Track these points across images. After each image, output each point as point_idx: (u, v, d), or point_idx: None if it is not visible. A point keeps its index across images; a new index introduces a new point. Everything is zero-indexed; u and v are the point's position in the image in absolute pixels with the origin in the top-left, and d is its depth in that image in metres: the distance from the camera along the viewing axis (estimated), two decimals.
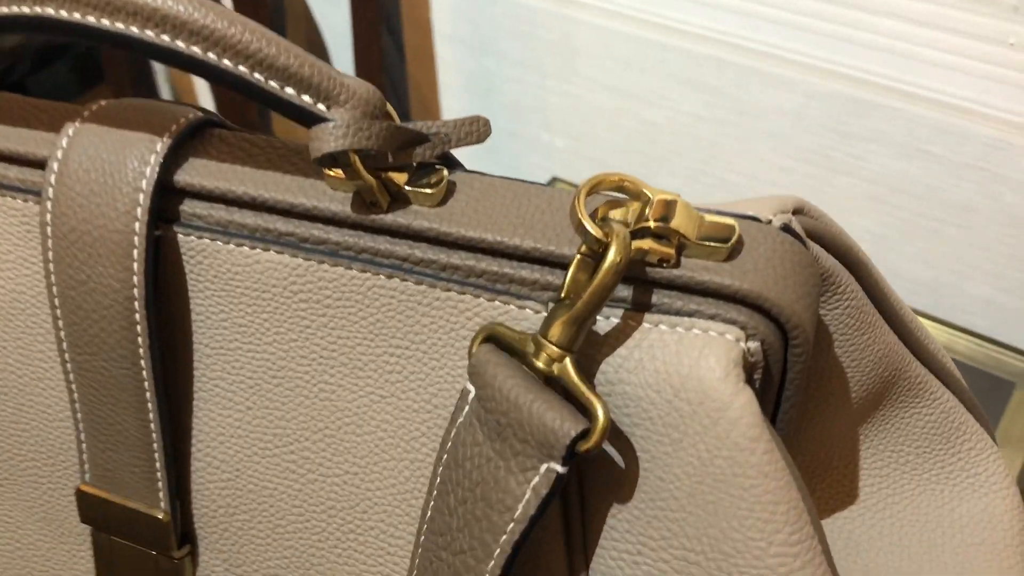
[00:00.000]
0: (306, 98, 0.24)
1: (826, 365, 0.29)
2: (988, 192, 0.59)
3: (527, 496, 0.23)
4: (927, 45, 0.56)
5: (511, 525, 0.23)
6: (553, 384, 0.24)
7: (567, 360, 0.23)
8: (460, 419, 0.25)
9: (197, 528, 0.31)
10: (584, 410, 0.23)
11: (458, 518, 0.24)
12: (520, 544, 0.23)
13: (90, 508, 0.31)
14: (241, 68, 0.24)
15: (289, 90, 0.24)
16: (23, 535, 0.34)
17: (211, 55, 0.24)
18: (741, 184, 0.68)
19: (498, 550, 0.23)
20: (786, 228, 0.25)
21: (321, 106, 0.24)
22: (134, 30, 0.23)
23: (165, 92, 0.96)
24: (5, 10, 0.24)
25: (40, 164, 0.29)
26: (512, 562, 0.23)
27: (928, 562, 0.31)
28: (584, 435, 0.22)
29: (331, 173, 0.25)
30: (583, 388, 0.23)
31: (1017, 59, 0.54)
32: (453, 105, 0.78)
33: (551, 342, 0.23)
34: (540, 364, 0.23)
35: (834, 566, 0.25)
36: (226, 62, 0.24)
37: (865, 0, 0.57)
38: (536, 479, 0.23)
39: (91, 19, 0.24)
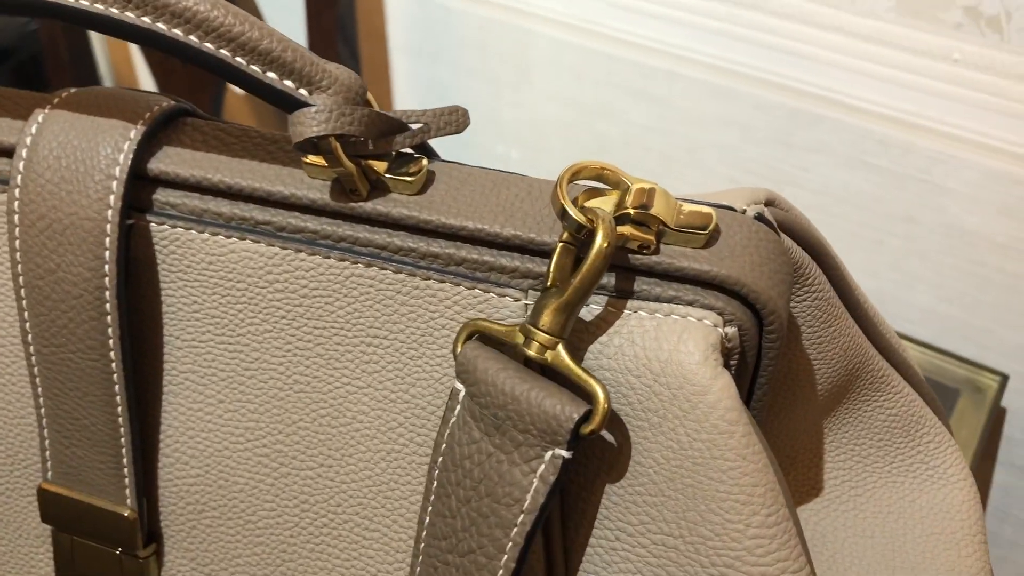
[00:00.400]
0: (288, 83, 0.24)
1: (794, 358, 0.29)
2: (930, 204, 0.61)
3: (535, 485, 0.23)
4: (873, 60, 0.58)
5: (521, 516, 0.23)
6: (546, 372, 0.24)
7: (559, 347, 0.23)
8: (452, 419, 0.25)
9: (163, 526, 0.31)
10: (581, 394, 0.23)
11: (462, 518, 0.24)
12: (532, 535, 0.23)
13: (52, 507, 0.30)
14: (223, 51, 0.24)
15: (271, 74, 0.24)
16: None
17: (192, 38, 0.23)
18: (690, 194, 0.69)
19: (511, 544, 0.23)
20: (760, 218, 0.26)
21: (303, 91, 0.24)
22: (114, 11, 0.23)
23: None
24: None
25: (6, 152, 0.28)
26: (526, 554, 0.23)
27: (891, 552, 0.32)
28: (585, 418, 0.23)
29: (310, 160, 0.25)
30: (579, 372, 0.23)
31: (960, 74, 0.56)
32: None
33: (542, 330, 0.23)
34: (532, 353, 0.23)
35: (807, 549, 0.25)
36: (208, 45, 0.23)
37: (813, 15, 0.58)
38: (542, 467, 0.23)
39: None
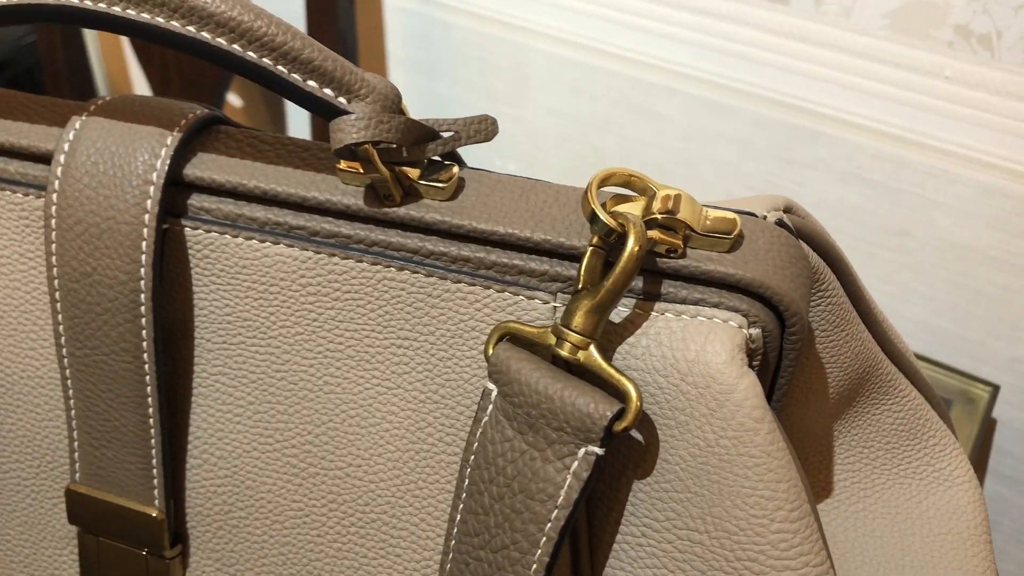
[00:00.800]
0: (328, 91, 0.25)
1: (807, 361, 0.30)
2: (923, 218, 0.62)
3: (568, 482, 0.24)
4: (868, 77, 0.59)
5: (555, 512, 0.24)
6: (575, 372, 0.25)
7: (592, 347, 0.24)
8: (485, 418, 0.25)
9: (189, 527, 0.31)
10: (612, 393, 0.24)
11: (495, 515, 0.25)
12: (566, 529, 0.24)
13: (80, 508, 0.31)
14: (265, 60, 0.24)
15: (311, 83, 0.25)
16: (2, 541, 0.34)
17: (236, 47, 0.24)
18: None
19: (544, 538, 0.24)
20: (780, 223, 0.27)
21: (342, 99, 0.25)
22: (160, 21, 0.24)
23: None
24: None
25: (42, 158, 0.29)
26: (559, 549, 0.24)
27: (899, 551, 0.33)
28: (618, 416, 0.23)
29: (344, 167, 0.26)
30: (611, 371, 0.24)
31: (952, 91, 0.57)
32: None
33: (575, 331, 0.24)
34: (565, 353, 0.24)
35: (827, 545, 0.26)
36: (251, 54, 0.24)
37: (810, 33, 0.60)
38: (575, 464, 0.24)
39: (116, 9, 0.24)
